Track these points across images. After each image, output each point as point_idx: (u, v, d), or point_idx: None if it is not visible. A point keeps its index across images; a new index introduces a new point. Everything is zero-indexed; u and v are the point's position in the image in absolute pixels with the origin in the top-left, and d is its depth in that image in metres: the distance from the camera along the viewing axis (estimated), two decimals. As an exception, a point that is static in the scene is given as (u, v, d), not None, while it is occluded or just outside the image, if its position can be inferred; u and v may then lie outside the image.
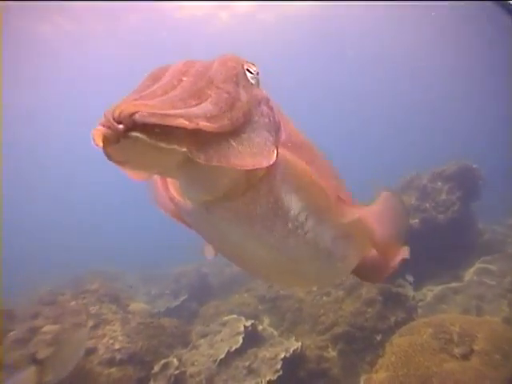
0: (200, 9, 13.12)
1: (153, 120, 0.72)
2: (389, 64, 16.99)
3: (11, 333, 4.69)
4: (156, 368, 4.49)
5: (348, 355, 4.58)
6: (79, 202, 26.61)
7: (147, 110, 0.73)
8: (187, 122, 0.76)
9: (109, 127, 0.73)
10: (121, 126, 0.72)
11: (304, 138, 1.22)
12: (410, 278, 5.50)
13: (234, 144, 0.89)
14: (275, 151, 0.96)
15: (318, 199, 1.14)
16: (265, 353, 4.40)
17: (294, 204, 1.12)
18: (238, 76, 0.99)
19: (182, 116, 0.77)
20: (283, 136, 1.09)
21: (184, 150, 0.80)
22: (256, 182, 1.05)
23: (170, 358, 4.62)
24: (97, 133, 0.73)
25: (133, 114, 0.72)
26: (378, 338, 4.60)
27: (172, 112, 0.76)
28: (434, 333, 3.09)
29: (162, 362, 4.55)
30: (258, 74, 1.07)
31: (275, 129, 1.05)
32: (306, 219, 1.16)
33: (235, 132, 0.90)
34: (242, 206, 1.07)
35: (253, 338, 4.70)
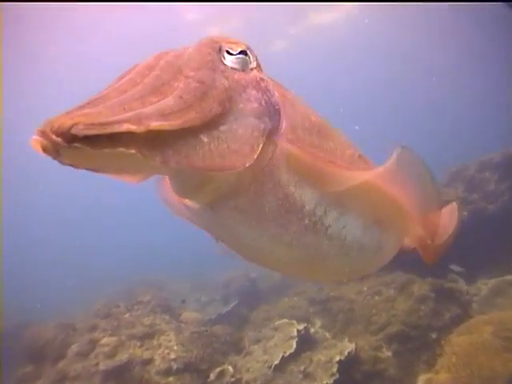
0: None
1: (92, 132, 0.69)
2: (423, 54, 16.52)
3: (73, 346, 4.89)
4: (212, 376, 4.55)
5: (403, 355, 4.49)
6: (122, 212, 27.30)
7: (85, 121, 0.69)
8: (134, 127, 0.71)
9: (47, 139, 0.69)
10: (59, 140, 0.68)
11: (316, 118, 1.11)
12: (458, 268, 5.33)
13: (205, 140, 0.81)
14: (259, 145, 0.89)
15: (334, 189, 1.03)
16: (319, 356, 4.38)
17: (307, 198, 1.03)
18: (213, 61, 0.92)
19: (127, 120, 0.72)
20: (285, 122, 1.00)
21: (132, 151, 0.73)
22: (259, 175, 0.97)
23: (225, 366, 4.68)
24: (35, 143, 0.70)
25: (70, 127, 0.68)
26: (434, 336, 4.49)
27: (115, 119, 0.72)
28: (495, 331, 3.00)
29: (218, 369, 4.61)
30: (245, 54, 0.97)
31: (269, 113, 0.95)
32: (325, 213, 1.07)
33: (209, 125, 0.83)
34: (248, 203, 1.00)
35: (306, 342, 4.68)
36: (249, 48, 1.00)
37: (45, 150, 0.70)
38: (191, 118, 0.79)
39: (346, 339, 4.68)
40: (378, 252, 1.27)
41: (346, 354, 4.31)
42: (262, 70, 1.03)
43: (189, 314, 5.90)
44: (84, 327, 5.39)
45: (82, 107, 0.75)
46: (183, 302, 6.44)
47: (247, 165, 0.85)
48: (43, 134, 0.69)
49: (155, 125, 0.74)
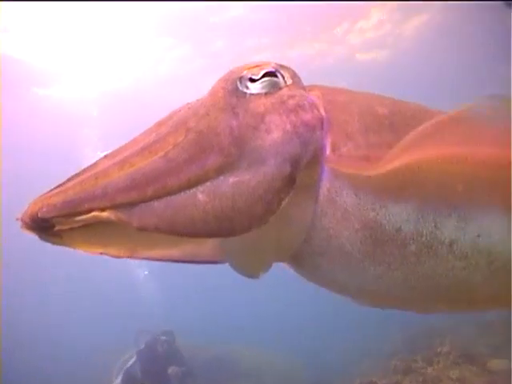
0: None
1: (52, 214, 0.70)
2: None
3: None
4: None
5: None
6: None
7: (47, 204, 0.71)
8: (96, 205, 0.70)
9: (27, 227, 0.73)
10: (34, 225, 0.72)
11: (385, 109, 0.85)
12: None
13: (200, 199, 0.71)
14: (281, 198, 0.72)
15: (430, 188, 0.77)
16: None
17: (396, 217, 0.78)
18: (224, 98, 0.80)
19: (89, 199, 0.70)
20: (331, 136, 0.80)
21: (105, 214, 0.70)
22: (317, 212, 0.79)
23: None
24: (23, 229, 0.74)
25: (36, 213, 0.71)
26: None
27: (76, 198, 0.71)
28: None
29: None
30: (273, 74, 0.83)
31: (302, 136, 0.76)
32: (436, 225, 0.78)
33: (209, 179, 0.72)
34: (324, 246, 0.81)
35: None
36: (278, 67, 0.85)
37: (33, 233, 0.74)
38: (171, 183, 0.71)
39: None
40: None
41: None
42: (299, 84, 0.87)
43: (496, 362, 5.31)
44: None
45: (59, 185, 0.76)
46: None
47: (262, 225, 0.71)
48: (21, 222, 0.73)
49: (122, 199, 0.70)
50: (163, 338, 6.37)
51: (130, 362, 6.41)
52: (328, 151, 0.79)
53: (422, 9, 10.56)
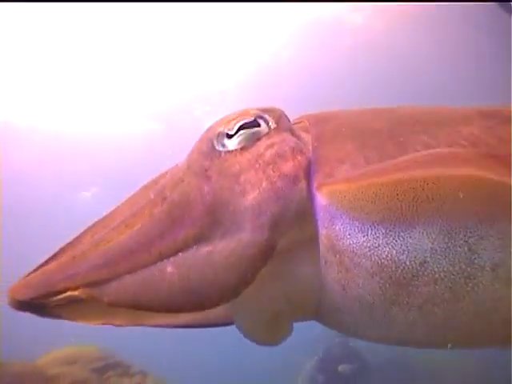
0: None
1: (30, 296, 0.69)
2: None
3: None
4: None
5: None
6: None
7: (25, 286, 0.70)
8: (68, 284, 0.68)
9: (18, 308, 0.70)
10: (22, 306, 0.70)
11: (383, 123, 0.76)
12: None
13: (168, 271, 0.66)
14: (256, 267, 0.64)
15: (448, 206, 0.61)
16: None
17: (415, 248, 0.63)
18: (198, 161, 0.75)
19: (66, 278, 0.69)
20: (318, 174, 0.70)
21: (76, 293, 0.68)
22: (320, 253, 0.69)
23: None
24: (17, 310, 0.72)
25: (15, 297, 0.69)
26: None
27: (52, 278, 0.70)
28: None
29: None
30: (251, 125, 0.76)
31: (282, 190, 0.68)
32: (470, 249, 0.62)
33: (180, 251, 0.67)
34: (339, 304, 0.71)
35: None
36: (260, 113, 0.78)
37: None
38: (142, 256, 0.67)
39: None
40: None
41: None
42: (284, 126, 0.79)
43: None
44: None
45: (41, 265, 0.74)
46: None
47: (235, 298, 0.65)
48: (11, 305, 0.70)
49: (91, 279, 0.68)
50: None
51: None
52: (317, 191, 0.69)
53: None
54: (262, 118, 0.78)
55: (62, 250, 0.76)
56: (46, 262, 0.74)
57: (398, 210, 0.62)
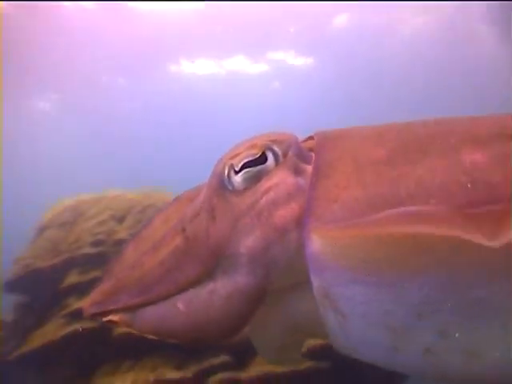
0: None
1: (92, 312, 0.78)
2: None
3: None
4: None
5: None
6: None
7: (89, 304, 0.78)
8: (112, 308, 0.77)
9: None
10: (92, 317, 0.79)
11: (385, 151, 0.70)
12: None
13: (179, 308, 0.72)
14: (248, 312, 0.70)
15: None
16: None
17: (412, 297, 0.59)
18: (209, 197, 0.77)
19: (110, 303, 0.77)
20: (313, 215, 0.65)
21: (115, 319, 0.77)
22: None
23: None
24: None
25: (85, 310, 0.79)
26: None
27: (106, 307, 0.78)
28: None
29: None
30: (256, 163, 0.75)
31: (273, 245, 0.70)
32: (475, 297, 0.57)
33: (190, 286, 0.73)
34: (350, 347, 0.70)
35: None
36: (268, 145, 0.76)
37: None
38: (162, 289, 0.73)
39: None
40: None
41: None
42: (291, 160, 0.77)
43: None
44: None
45: (104, 280, 0.81)
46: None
47: (235, 335, 0.71)
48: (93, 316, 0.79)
49: (125, 305, 0.75)
50: None
51: None
52: (307, 238, 0.65)
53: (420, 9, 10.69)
54: (270, 150, 0.76)
55: (114, 263, 0.84)
56: (105, 276, 0.83)
57: (379, 262, 0.59)
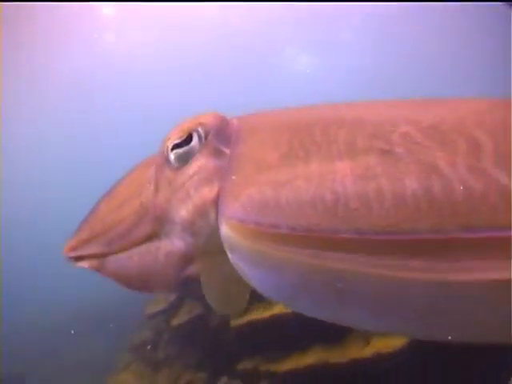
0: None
1: (68, 255, 0.92)
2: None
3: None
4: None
5: None
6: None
7: (67, 248, 0.92)
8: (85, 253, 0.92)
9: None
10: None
11: (290, 145, 0.74)
12: None
13: (134, 259, 0.88)
14: (177, 269, 0.87)
15: None
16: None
17: None
18: (155, 171, 0.91)
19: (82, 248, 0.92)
20: (229, 206, 0.72)
21: (84, 264, 0.92)
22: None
23: None
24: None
25: (64, 253, 0.92)
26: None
27: (75, 248, 0.92)
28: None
29: None
30: (184, 143, 0.85)
31: (203, 212, 0.82)
32: None
33: (143, 242, 0.89)
34: None
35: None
36: (194, 126, 0.86)
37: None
38: (122, 242, 0.88)
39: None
40: None
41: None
42: (214, 141, 0.86)
43: None
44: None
45: (81, 228, 0.94)
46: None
47: (170, 289, 0.88)
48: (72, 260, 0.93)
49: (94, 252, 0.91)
50: None
51: None
52: (219, 223, 0.76)
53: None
54: (196, 131, 0.86)
55: (90, 214, 0.96)
56: (82, 224, 0.95)
57: (264, 255, 0.67)
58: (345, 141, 0.67)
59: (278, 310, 2.87)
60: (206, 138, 0.86)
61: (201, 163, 0.84)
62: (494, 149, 0.56)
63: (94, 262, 0.90)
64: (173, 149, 0.86)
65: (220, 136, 0.87)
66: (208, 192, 0.82)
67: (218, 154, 0.85)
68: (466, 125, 0.61)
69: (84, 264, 0.90)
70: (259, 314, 2.95)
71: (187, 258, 0.86)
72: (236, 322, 3.08)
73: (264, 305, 2.97)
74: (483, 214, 0.52)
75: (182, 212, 0.84)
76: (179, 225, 0.85)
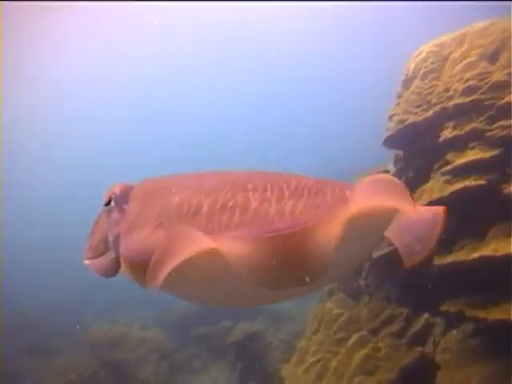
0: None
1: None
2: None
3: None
4: None
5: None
6: None
7: (85, 251, 1.40)
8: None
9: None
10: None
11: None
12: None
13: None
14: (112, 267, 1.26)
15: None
16: None
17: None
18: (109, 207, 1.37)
19: None
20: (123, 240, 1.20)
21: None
22: None
23: None
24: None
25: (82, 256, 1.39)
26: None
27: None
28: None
29: None
30: (115, 197, 1.32)
31: (115, 243, 1.26)
32: None
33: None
34: None
35: None
36: (109, 194, 1.33)
37: None
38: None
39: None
40: None
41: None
42: (116, 207, 1.32)
43: None
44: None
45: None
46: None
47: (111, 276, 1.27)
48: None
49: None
50: None
51: None
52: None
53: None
54: (112, 196, 1.32)
55: (89, 235, 1.42)
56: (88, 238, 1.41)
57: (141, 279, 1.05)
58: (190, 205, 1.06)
59: (487, 250, 2.68)
60: (116, 200, 1.32)
61: (114, 215, 1.32)
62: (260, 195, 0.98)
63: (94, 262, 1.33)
64: (105, 205, 1.34)
65: (123, 198, 1.33)
66: (115, 233, 1.27)
67: (121, 210, 1.31)
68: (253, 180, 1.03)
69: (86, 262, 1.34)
70: (466, 255, 2.81)
71: (116, 265, 1.26)
72: (440, 261, 2.98)
73: (473, 244, 2.81)
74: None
75: (111, 238, 1.29)
76: (112, 243, 1.28)
